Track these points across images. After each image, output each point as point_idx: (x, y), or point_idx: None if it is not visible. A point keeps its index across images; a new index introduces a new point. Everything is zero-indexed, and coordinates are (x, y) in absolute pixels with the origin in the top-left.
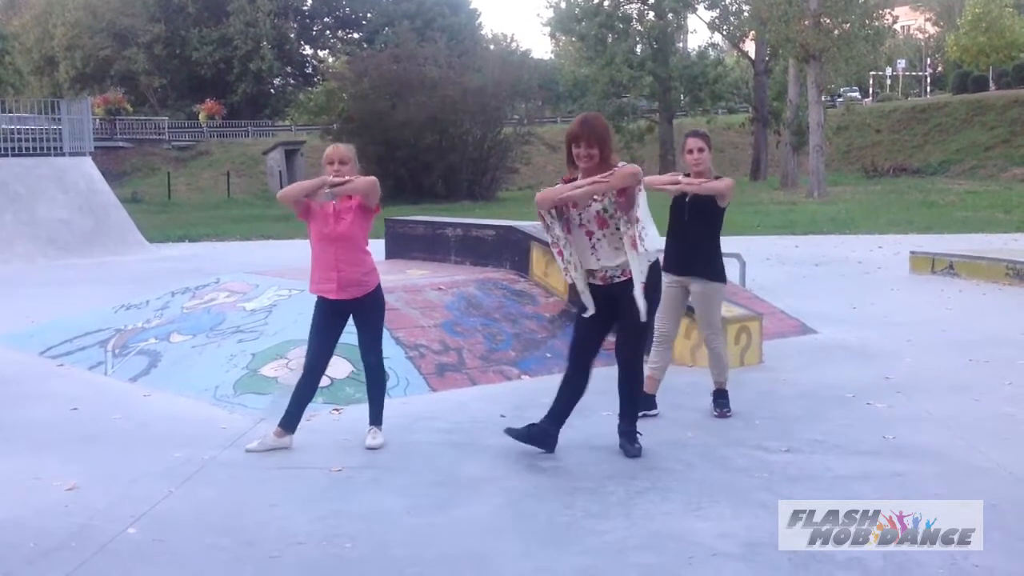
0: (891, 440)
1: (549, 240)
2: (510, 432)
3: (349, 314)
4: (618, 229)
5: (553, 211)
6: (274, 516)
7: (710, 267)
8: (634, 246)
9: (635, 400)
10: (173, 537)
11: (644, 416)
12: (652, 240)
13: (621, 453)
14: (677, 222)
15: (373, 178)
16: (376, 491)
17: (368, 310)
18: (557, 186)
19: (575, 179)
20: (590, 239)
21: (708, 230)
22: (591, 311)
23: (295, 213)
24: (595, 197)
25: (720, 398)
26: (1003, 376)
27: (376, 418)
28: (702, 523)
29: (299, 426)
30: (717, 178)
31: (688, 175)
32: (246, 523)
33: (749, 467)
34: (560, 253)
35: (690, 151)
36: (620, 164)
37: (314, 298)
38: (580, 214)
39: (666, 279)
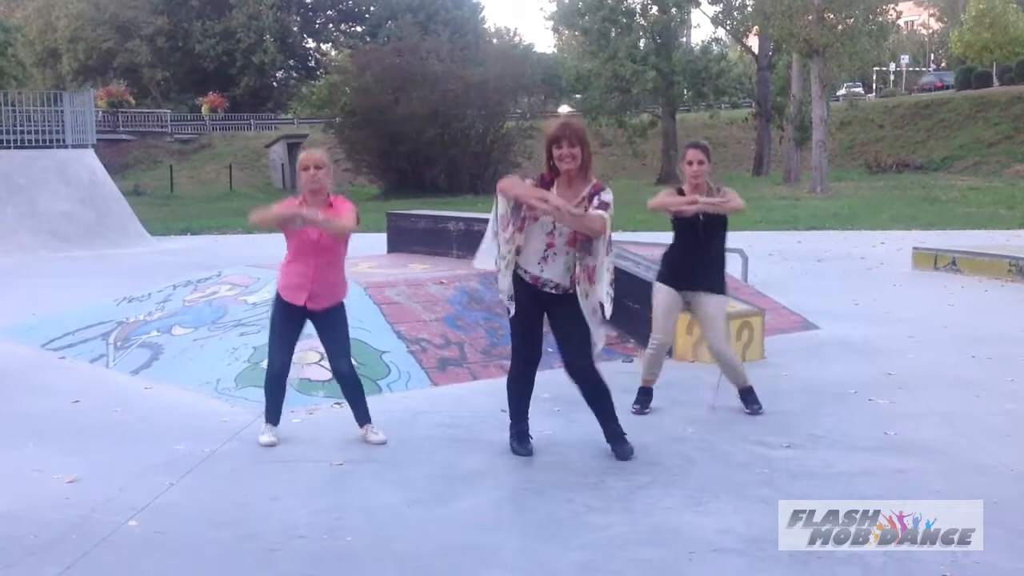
0: (892, 436)
1: (493, 219)
2: (517, 452)
3: (308, 319)
4: (585, 253)
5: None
6: (275, 509)
7: (719, 281)
8: (590, 280)
9: (607, 406)
10: (174, 530)
11: (639, 412)
12: (603, 293)
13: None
14: (690, 238)
15: (351, 218)
16: (377, 484)
17: (335, 320)
18: (526, 183)
19: (549, 182)
20: (548, 249)
21: (721, 244)
22: (512, 311)
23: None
24: (587, 206)
25: (748, 395)
26: (1005, 372)
27: (364, 417)
28: (702, 518)
29: (300, 420)
30: (718, 190)
31: (682, 188)
32: (247, 516)
33: (750, 463)
34: (502, 236)
35: (690, 163)
36: (599, 195)
37: None
38: (555, 222)
39: (666, 291)
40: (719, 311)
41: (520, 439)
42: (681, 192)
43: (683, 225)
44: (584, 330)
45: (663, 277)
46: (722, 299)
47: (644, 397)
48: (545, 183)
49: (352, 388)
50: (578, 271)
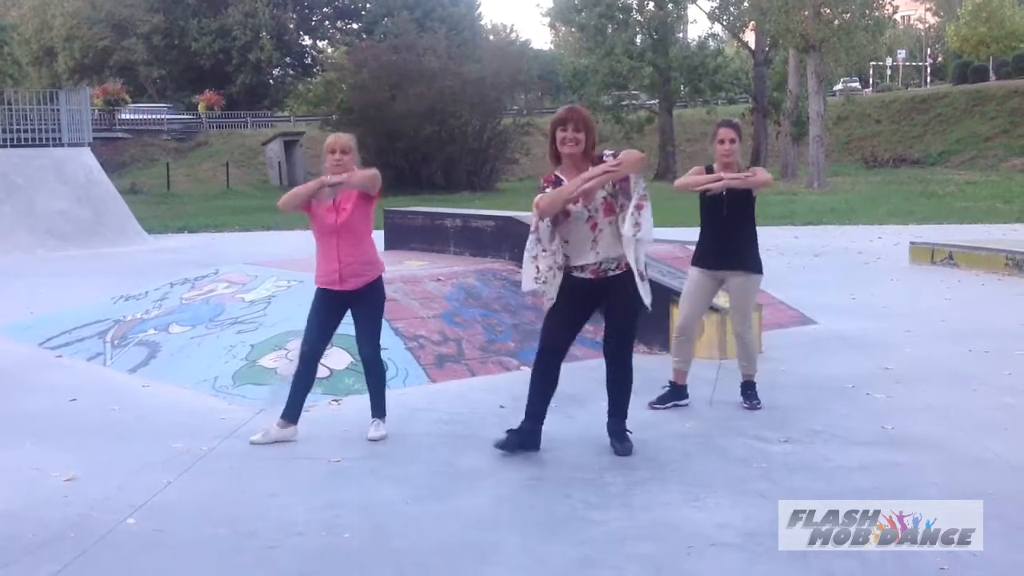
0: (890, 430)
1: (531, 248)
2: (502, 447)
3: (348, 306)
4: (622, 211)
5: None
6: (273, 506)
7: (751, 259)
8: (637, 225)
9: (626, 397)
10: (172, 528)
11: (675, 406)
12: (649, 227)
13: (612, 451)
14: (714, 216)
15: (374, 171)
16: (375, 481)
17: (368, 302)
18: (557, 189)
19: (558, 178)
20: (594, 230)
21: (748, 221)
22: (553, 299)
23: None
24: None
25: (749, 389)
26: (1002, 366)
27: (379, 410)
28: (701, 513)
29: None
30: (748, 169)
31: (711, 166)
32: (245, 513)
33: (748, 457)
34: (536, 260)
35: (722, 141)
36: (607, 153)
37: (313, 289)
38: (588, 206)
39: (697, 273)
40: (744, 291)
41: (528, 436)
42: (710, 170)
43: (709, 204)
44: (633, 313)
45: (694, 259)
46: (752, 279)
47: (669, 394)
48: (554, 184)
49: (372, 375)
50: (627, 227)
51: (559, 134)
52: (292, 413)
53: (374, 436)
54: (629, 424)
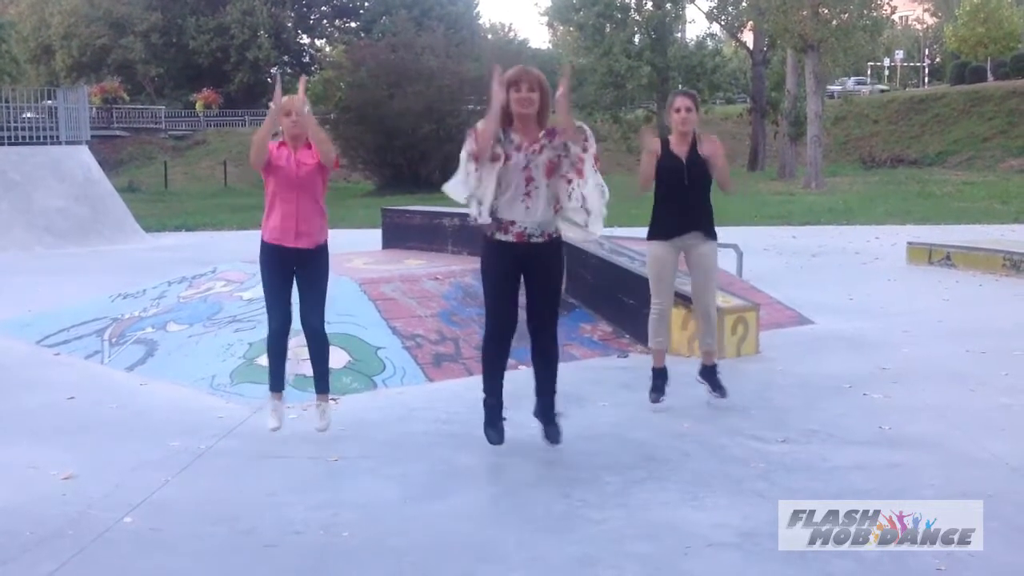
0: (887, 430)
1: (469, 156)
2: (492, 441)
3: (295, 268)
4: (565, 182)
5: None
6: (271, 505)
7: (712, 227)
8: (580, 173)
9: (552, 374)
10: (170, 526)
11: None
12: (598, 221)
13: (545, 442)
14: (675, 188)
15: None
16: (373, 480)
17: (315, 264)
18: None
19: (506, 125)
20: (528, 184)
21: (706, 192)
22: (481, 217)
23: (259, 166)
24: (548, 143)
25: (715, 376)
26: (999, 367)
27: (323, 385)
28: (699, 513)
29: (297, 415)
30: (701, 137)
31: (667, 137)
32: (243, 512)
33: (745, 457)
34: (474, 169)
35: (678, 110)
36: (557, 135)
37: None
38: (528, 156)
39: (658, 247)
40: (709, 259)
41: (493, 418)
42: (665, 142)
43: (668, 175)
44: (557, 284)
45: (653, 232)
46: (714, 245)
47: (659, 382)
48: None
49: (319, 347)
50: (569, 201)
51: (513, 94)
52: (278, 383)
53: (317, 425)
54: (628, 424)
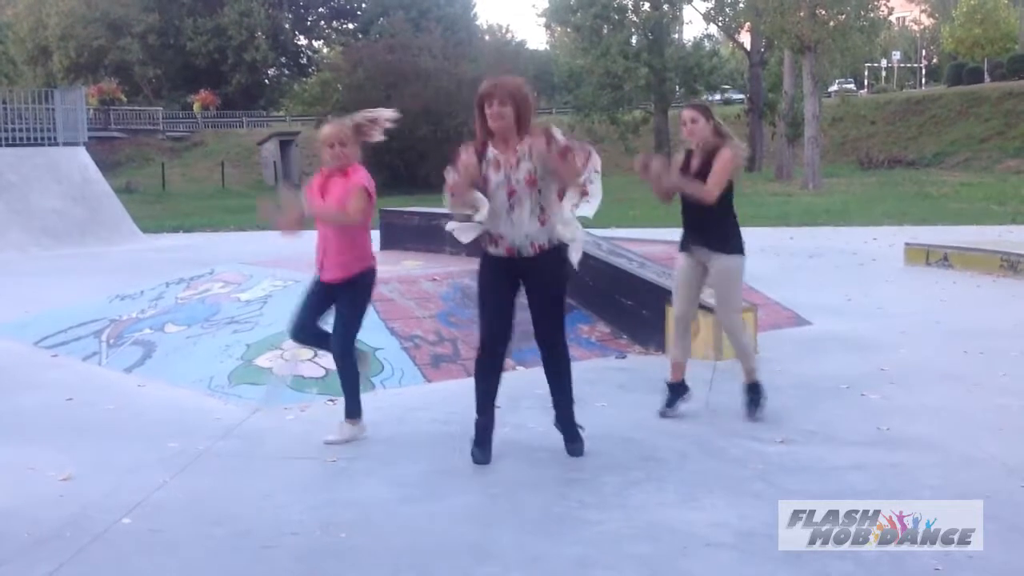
0: (885, 431)
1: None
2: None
3: (333, 297)
4: (543, 193)
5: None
6: (269, 506)
7: (728, 241)
8: (584, 203)
9: (567, 385)
10: (168, 527)
11: (680, 403)
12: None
13: (565, 452)
14: (685, 200)
15: (351, 205)
16: (371, 481)
17: (346, 294)
18: (463, 158)
19: (484, 144)
20: (511, 198)
21: (720, 204)
22: (482, 214)
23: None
24: (525, 154)
25: (753, 393)
26: (997, 367)
27: (350, 411)
28: (697, 514)
29: (293, 416)
30: (717, 148)
31: (690, 150)
32: (241, 513)
33: (744, 458)
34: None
35: (683, 123)
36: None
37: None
38: (507, 172)
39: (682, 258)
40: (726, 273)
41: (481, 438)
42: (688, 153)
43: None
44: (558, 293)
45: (680, 244)
46: (733, 260)
47: (671, 395)
48: (479, 152)
49: (339, 372)
50: (559, 207)
51: (485, 108)
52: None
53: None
54: (626, 425)
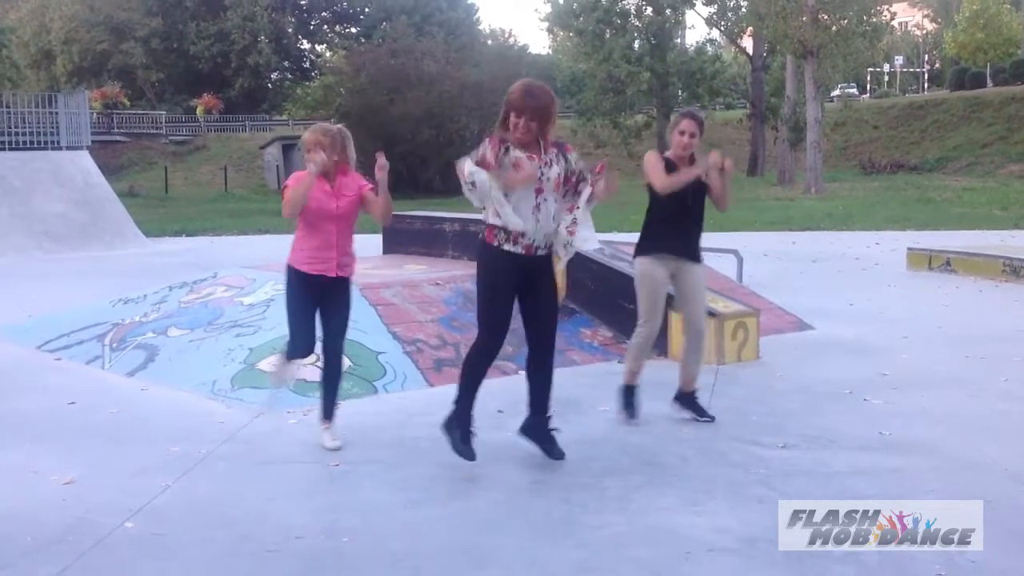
0: (887, 436)
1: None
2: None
3: (324, 296)
4: (571, 195)
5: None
6: (271, 510)
7: (700, 251)
8: (570, 210)
9: (548, 388)
10: (171, 531)
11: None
12: (586, 238)
13: (545, 456)
14: (677, 207)
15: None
16: (373, 485)
17: (345, 292)
18: (483, 153)
19: (505, 141)
20: (537, 196)
21: (702, 213)
22: (520, 226)
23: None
24: (555, 156)
25: (695, 403)
26: (999, 372)
27: (330, 412)
28: (698, 518)
29: (296, 421)
30: (702, 162)
31: (667, 156)
32: (243, 517)
33: (745, 463)
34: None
35: (682, 133)
36: (570, 151)
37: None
38: (540, 168)
39: (651, 264)
40: (702, 282)
41: (467, 435)
42: (668, 161)
43: (671, 195)
44: (556, 304)
45: (649, 249)
46: (705, 269)
47: (630, 398)
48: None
49: (333, 371)
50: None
51: (513, 119)
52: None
53: (328, 445)
54: (627, 430)
